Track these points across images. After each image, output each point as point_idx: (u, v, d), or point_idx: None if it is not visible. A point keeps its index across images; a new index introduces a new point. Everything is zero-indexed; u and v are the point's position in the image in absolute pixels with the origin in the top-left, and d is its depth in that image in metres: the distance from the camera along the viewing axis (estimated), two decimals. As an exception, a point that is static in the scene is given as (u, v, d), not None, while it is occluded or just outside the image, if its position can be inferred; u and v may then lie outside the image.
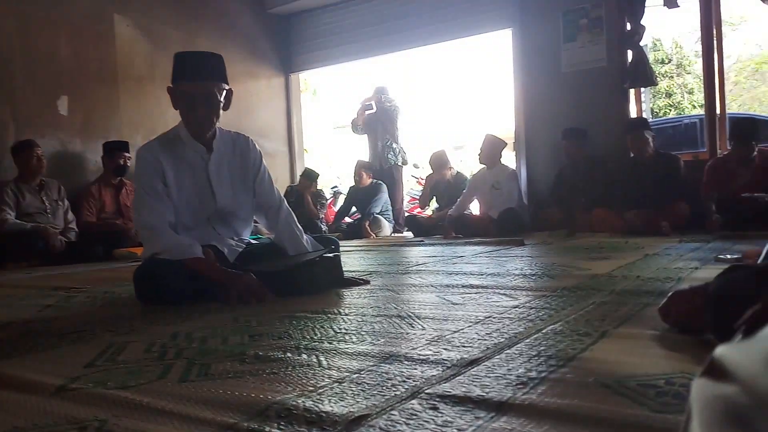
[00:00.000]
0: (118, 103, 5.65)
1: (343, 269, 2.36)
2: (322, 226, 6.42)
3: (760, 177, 4.31)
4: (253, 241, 2.56)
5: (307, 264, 2.17)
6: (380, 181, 6.35)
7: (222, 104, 2.22)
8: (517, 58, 6.00)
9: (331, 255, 2.27)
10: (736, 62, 16.29)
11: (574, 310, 1.59)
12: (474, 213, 5.89)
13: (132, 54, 5.78)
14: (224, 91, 2.21)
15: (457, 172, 6.26)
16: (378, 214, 6.11)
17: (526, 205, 5.58)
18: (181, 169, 2.24)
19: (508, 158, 6.78)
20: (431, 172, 6.22)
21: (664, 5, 6.12)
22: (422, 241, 4.92)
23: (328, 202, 7.71)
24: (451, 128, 16.23)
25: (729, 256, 2.50)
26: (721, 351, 0.37)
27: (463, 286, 2.12)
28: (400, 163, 6.59)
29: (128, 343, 1.43)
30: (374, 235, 5.89)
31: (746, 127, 4.55)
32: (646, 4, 5.28)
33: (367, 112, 6.60)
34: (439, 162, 6.06)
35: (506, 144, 5.64)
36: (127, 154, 5.09)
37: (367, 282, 2.34)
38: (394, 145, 6.51)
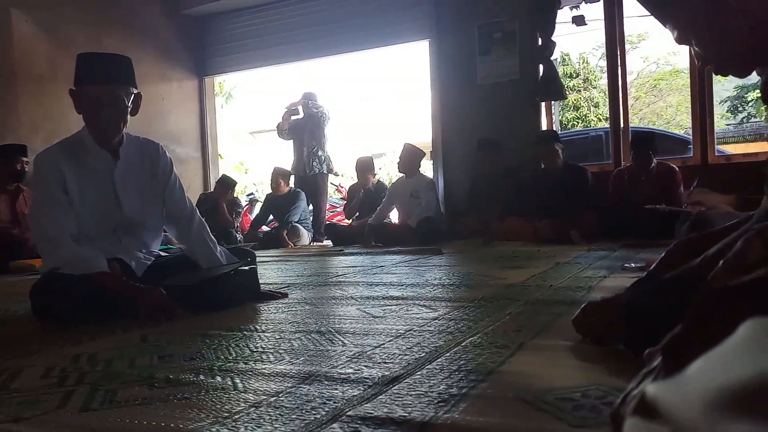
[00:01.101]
0: (15, 103, 5.26)
1: (260, 282, 2.29)
2: (238, 236, 6.25)
3: (660, 187, 4.60)
4: (163, 253, 2.43)
5: (221, 277, 2.08)
6: (299, 189, 6.26)
7: (129, 109, 2.10)
8: (434, 69, 6.10)
9: (246, 267, 2.20)
10: (637, 78, 17.40)
11: (491, 321, 1.60)
12: (393, 221, 5.92)
13: (32, 52, 5.41)
14: (132, 95, 2.09)
15: (378, 180, 6.29)
16: (296, 222, 6.01)
17: (443, 214, 5.68)
18: (84, 177, 2.10)
19: (427, 167, 6.89)
20: (355, 181, 6.21)
21: (573, 23, 6.44)
22: (342, 250, 4.89)
23: (244, 210, 7.51)
24: (371, 136, 16.33)
25: (634, 265, 2.63)
26: (654, 391, 0.36)
27: (383, 298, 2.11)
28: (325, 171, 6.52)
29: (23, 368, 1.31)
30: (292, 245, 5.80)
31: (645, 139, 4.85)
32: (556, 21, 5.52)
33: (293, 118, 6.49)
34: (365, 167, 6.05)
35: (425, 153, 5.72)
36: (24, 159, 4.74)
37: (284, 295, 2.27)
38: (320, 153, 6.43)
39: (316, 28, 6.74)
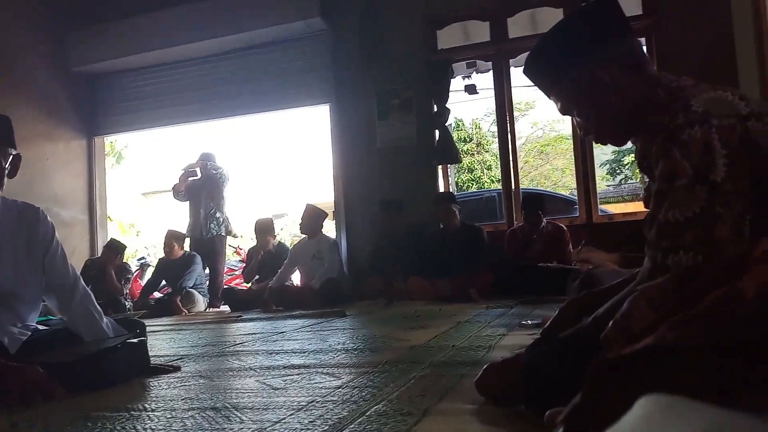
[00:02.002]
0: None
1: (150, 355, 2.13)
2: (127, 303, 5.87)
3: (550, 246, 4.84)
4: (41, 327, 2.21)
5: (106, 352, 1.92)
6: (193, 252, 6.01)
7: (6, 171, 1.93)
8: (334, 133, 6.19)
9: (135, 340, 2.04)
10: (525, 143, 18.58)
11: (396, 386, 1.57)
12: (295, 284, 5.80)
13: None
14: (10, 156, 1.93)
15: (279, 242, 6.17)
16: (191, 287, 5.74)
17: (347, 275, 5.64)
18: (-51, 245, 1.89)
19: (330, 228, 6.88)
20: (254, 243, 6.06)
21: (465, 91, 6.83)
22: (240, 316, 4.70)
23: (134, 275, 7.10)
24: (272, 196, 16.19)
25: (530, 322, 2.71)
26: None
27: (284, 367, 2.02)
28: (223, 233, 6.32)
29: None
30: (186, 312, 5.51)
31: (535, 200, 5.14)
32: (450, 89, 5.81)
33: (190, 179, 6.29)
34: (265, 228, 5.92)
35: (327, 214, 5.72)
36: None
37: (176, 369, 2.13)
38: (218, 214, 6.24)
39: (214, 90, 6.67)
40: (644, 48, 4.83)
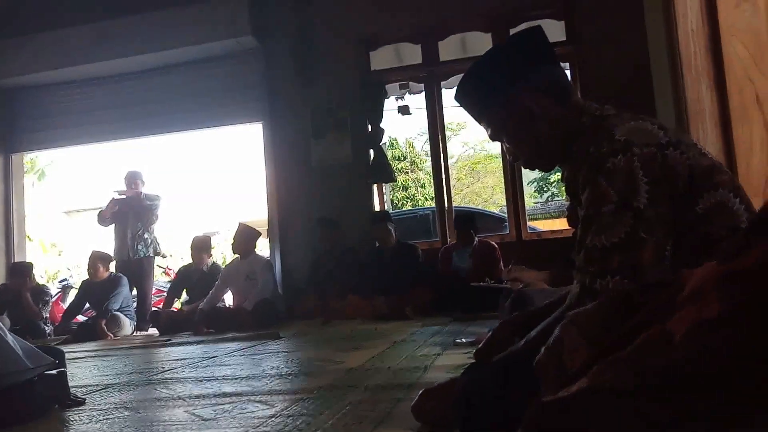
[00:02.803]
0: None
1: (70, 386, 2.01)
2: (47, 328, 5.54)
3: (481, 263, 4.94)
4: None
5: (20, 384, 1.79)
6: (120, 274, 5.75)
7: None
8: (268, 151, 6.11)
9: (54, 371, 1.92)
10: (457, 161, 18.99)
11: (331, 413, 1.55)
12: (228, 305, 5.65)
13: None
14: None
15: (213, 262, 5.99)
16: (117, 310, 5.48)
17: (281, 295, 5.54)
18: None
19: (263, 247, 6.76)
20: (185, 262, 5.87)
21: (399, 112, 6.92)
22: (169, 339, 4.53)
23: (55, 298, 6.72)
24: (204, 214, 15.78)
25: (465, 340, 2.74)
26: None
27: (215, 396, 1.95)
28: (151, 254, 6.08)
29: None
30: (112, 336, 5.25)
31: (467, 219, 5.24)
32: (384, 109, 5.87)
33: (117, 197, 6.03)
34: (201, 246, 5.75)
35: (260, 233, 5.61)
36: None
37: (81, 403, 1.99)
38: (146, 235, 6.01)
39: (143, 107, 6.45)
40: (568, 74, 5.01)
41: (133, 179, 6.08)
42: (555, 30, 5.36)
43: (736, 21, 2.25)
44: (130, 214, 5.99)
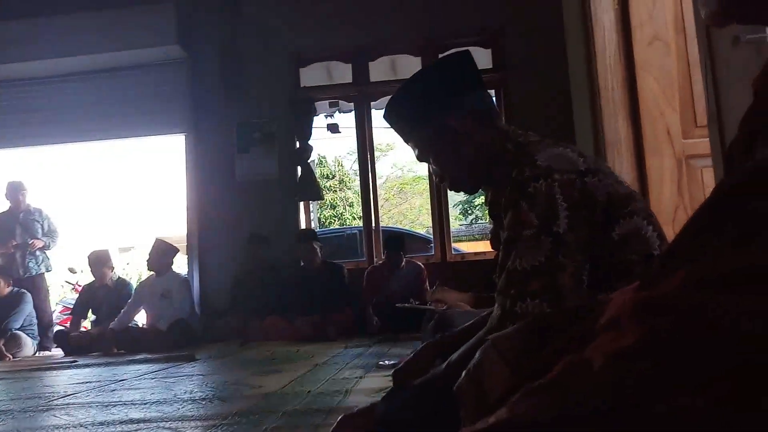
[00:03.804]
0: None
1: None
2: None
3: (409, 284, 4.95)
4: None
5: None
6: (23, 290, 5.37)
7: None
8: (190, 164, 5.91)
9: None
10: (386, 182, 19.14)
11: (245, 441, 1.47)
12: (141, 324, 5.38)
13: None
14: None
15: (119, 277, 5.68)
16: (18, 329, 5.10)
17: (198, 315, 5.33)
18: None
19: (181, 264, 6.50)
20: (91, 279, 5.54)
21: (328, 130, 6.89)
22: (75, 361, 4.24)
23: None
24: (118, 229, 15.10)
25: (388, 362, 2.72)
26: None
27: (120, 422, 1.82)
28: (43, 271, 5.72)
29: None
30: (11, 357, 4.88)
31: (396, 240, 5.24)
32: (313, 127, 5.82)
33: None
34: (98, 261, 5.42)
35: (178, 250, 5.39)
36: None
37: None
38: (37, 252, 5.65)
39: (60, 113, 6.05)
40: (495, 101, 5.18)
41: (14, 191, 5.72)
42: (482, 57, 5.52)
43: (650, 58, 2.38)
44: (16, 229, 5.63)
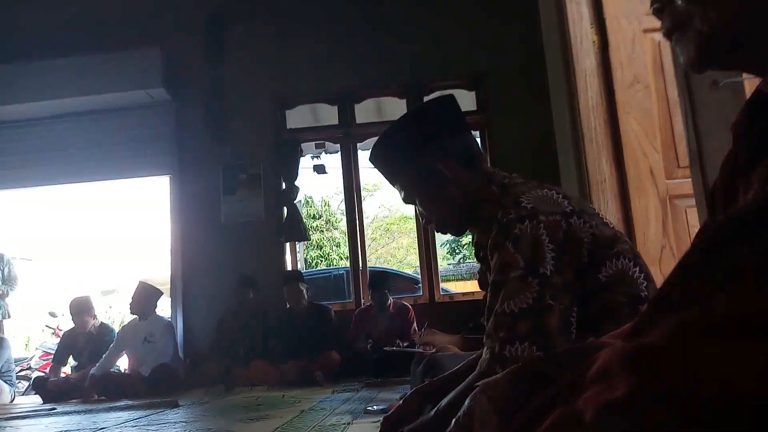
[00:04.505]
0: None
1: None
2: None
3: (396, 325, 4.90)
4: None
5: None
6: (2, 335, 5.24)
7: None
8: (174, 206, 5.88)
9: None
10: (373, 221, 19.16)
11: (228, 493, 1.42)
12: (123, 369, 5.25)
13: None
14: None
15: (101, 323, 5.56)
16: (-5, 376, 4.96)
17: (182, 359, 5.22)
18: None
19: (164, 307, 6.40)
20: (72, 325, 5.42)
21: (314, 171, 6.93)
22: (54, 408, 4.12)
23: None
24: (101, 271, 14.90)
25: (376, 408, 2.66)
26: None
27: (97, 475, 1.75)
28: (1, 318, 5.60)
29: None
30: (-13, 404, 4.73)
31: (380, 279, 5.21)
32: (300, 167, 5.84)
33: None
34: (80, 309, 5.31)
35: (161, 293, 5.31)
36: None
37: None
38: None
39: (45, 155, 6.01)
40: (479, 143, 5.23)
41: None
42: (467, 99, 5.62)
43: (630, 100, 2.43)
44: None
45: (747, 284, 0.39)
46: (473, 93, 5.76)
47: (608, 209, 2.28)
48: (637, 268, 1.22)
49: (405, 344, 4.30)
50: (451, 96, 1.41)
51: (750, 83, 1.61)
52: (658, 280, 1.17)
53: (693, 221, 2.24)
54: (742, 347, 0.36)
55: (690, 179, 1.80)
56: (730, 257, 0.42)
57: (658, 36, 2.47)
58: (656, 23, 0.65)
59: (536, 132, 4.76)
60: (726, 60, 0.63)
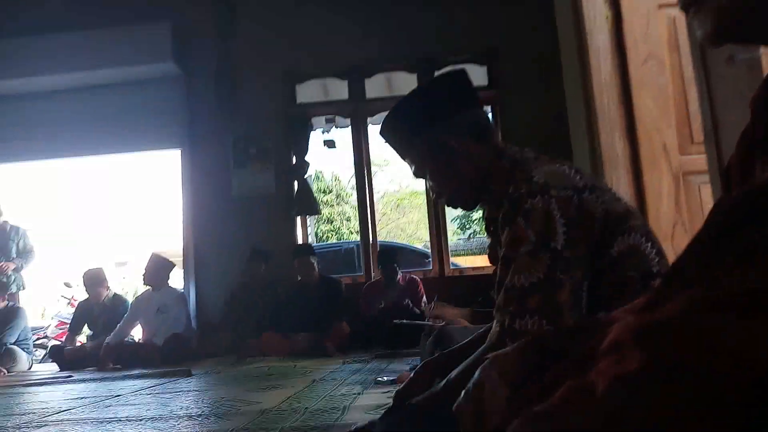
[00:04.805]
0: None
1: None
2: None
3: (406, 297, 4.94)
4: None
5: None
6: (18, 305, 5.34)
7: None
8: (185, 179, 5.91)
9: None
10: (383, 196, 19.17)
11: (242, 460, 1.46)
12: (137, 339, 5.34)
13: None
14: None
15: (115, 294, 5.63)
16: (13, 343, 5.07)
17: (194, 330, 5.30)
18: None
19: (177, 279, 6.47)
20: (86, 295, 5.51)
21: (324, 145, 6.91)
22: (70, 376, 4.21)
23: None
24: (114, 243, 15.04)
25: (386, 378, 2.70)
26: None
27: (115, 440, 1.81)
28: (14, 291, 5.66)
29: None
30: (5, 371, 4.84)
31: (389, 253, 5.26)
32: (309, 142, 5.83)
33: None
34: (93, 281, 5.39)
35: (174, 265, 5.37)
36: None
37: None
38: (11, 273, 5.60)
39: (57, 128, 6.04)
40: (490, 118, 5.19)
41: None
42: (478, 74, 5.55)
43: (644, 76, 2.40)
44: None
45: (761, 262, 0.40)
46: (485, 68, 5.69)
47: (620, 185, 2.27)
48: (649, 244, 1.21)
49: (416, 313, 4.31)
50: (463, 70, 1.40)
51: (767, 57, 1.59)
52: (671, 256, 1.17)
53: (706, 198, 2.22)
54: (756, 323, 0.36)
55: (704, 155, 1.78)
56: (745, 234, 0.42)
57: (674, 11, 2.43)
58: (673, -2, 0.64)
59: (548, 108, 4.72)
60: (744, 34, 0.62)
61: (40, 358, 6.25)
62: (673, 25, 2.48)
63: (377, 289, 5.14)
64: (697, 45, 1.72)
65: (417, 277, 5.20)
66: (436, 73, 4.99)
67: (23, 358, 5.17)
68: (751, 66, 1.56)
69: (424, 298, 4.95)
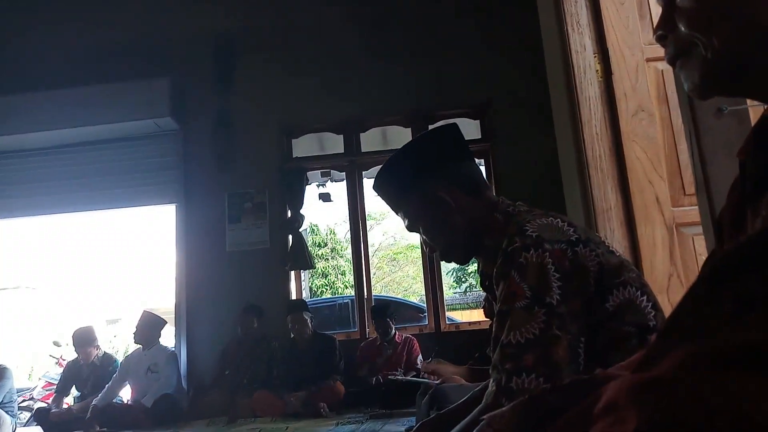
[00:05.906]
0: None
1: None
2: None
3: (399, 355, 4.85)
4: None
5: None
6: (5, 365, 5.21)
7: None
8: (180, 234, 5.89)
9: None
10: (378, 250, 19.13)
11: None
12: (125, 400, 5.20)
13: None
14: None
15: (105, 353, 5.51)
16: (-3, 406, 4.92)
17: (185, 390, 5.16)
18: None
19: (168, 336, 6.36)
20: (75, 355, 5.39)
21: (320, 199, 6.95)
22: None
23: None
24: (104, 300, 14.88)
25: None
26: None
27: None
28: None
29: None
30: (-12, 437, 4.68)
31: (382, 308, 5.19)
32: (305, 195, 5.86)
33: None
34: (83, 340, 5.28)
35: (165, 322, 5.29)
36: None
37: None
38: None
39: (53, 184, 6.08)
40: (483, 171, 5.23)
41: None
42: (470, 128, 5.64)
43: (635, 128, 2.43)
44: None
45: (757, 314, 0.38)
46: (477, 122, 5.79)
47: (614, 237, 2.26)
48: (645, 297, 1.20)
49: (412, 374, 4.24)
50: (454, 124, 1.41)
51: (754, 110, 1.61)
52: (666, 308, 1.15)
53: (700, 249, 2.22)
54: (756, 379, 0.35)
55: (696, 207, 1.79)
56: (740, 287, 0.41)
57: (662, 65, 2.48)
58: (659, 52, 0.65)
59: (541, 160, 4.77)
60: (730, 86, 0.62)
61: (25, 421, 6.06)
62: (661, 78, 2.53)
63: (373, 348, 5.04)
64: (685, 97, 1.75)
65: (412, 336, 5.11)
66: (430, 127, 5.07)
67: (7, 421, 5.00)
68: (739, 117, 1.58)
69: (420, 357, 4.86)
